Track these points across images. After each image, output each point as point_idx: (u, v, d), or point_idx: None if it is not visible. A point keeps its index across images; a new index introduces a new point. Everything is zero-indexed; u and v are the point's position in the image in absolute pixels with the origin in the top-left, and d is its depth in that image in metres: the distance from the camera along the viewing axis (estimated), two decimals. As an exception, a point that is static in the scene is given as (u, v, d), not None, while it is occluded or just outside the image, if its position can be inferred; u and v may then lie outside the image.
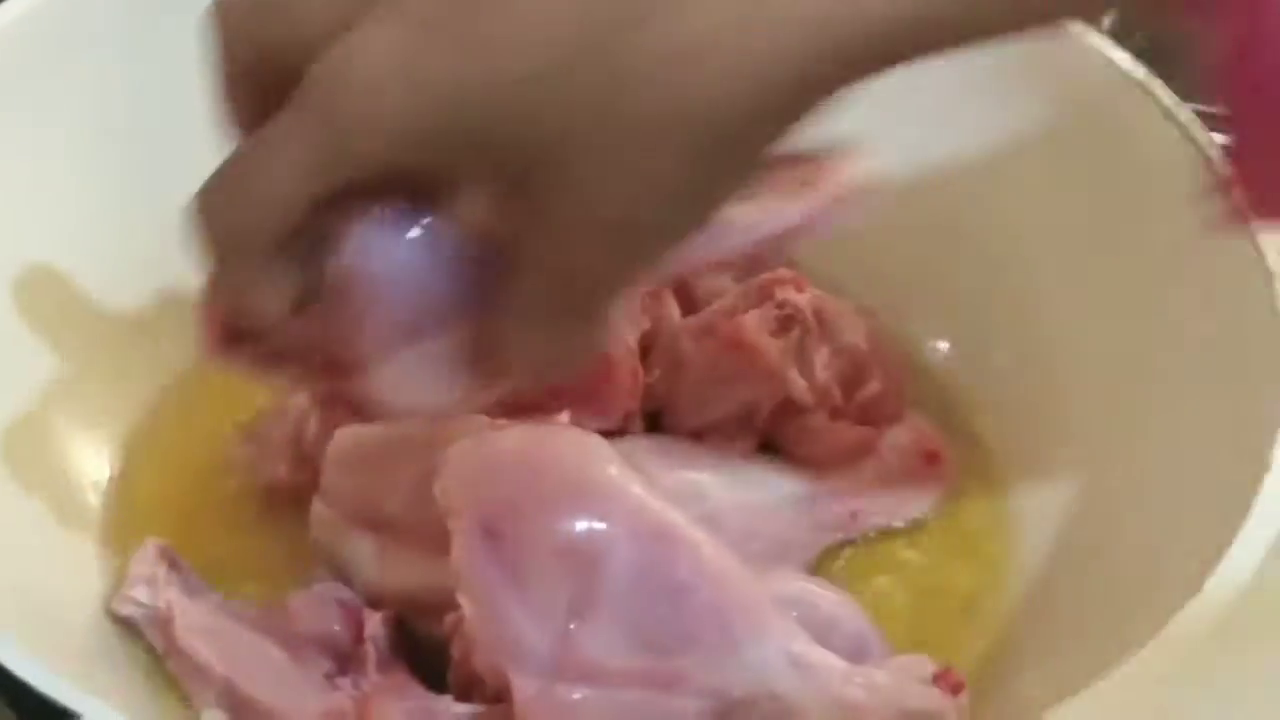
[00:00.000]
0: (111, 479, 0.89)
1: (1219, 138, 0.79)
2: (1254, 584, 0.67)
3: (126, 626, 0.81)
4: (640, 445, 0.86)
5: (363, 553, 0.82)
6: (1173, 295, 0.85)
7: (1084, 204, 0.90)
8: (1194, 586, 0.67)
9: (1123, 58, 0.89)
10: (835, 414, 0.88)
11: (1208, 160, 0.82)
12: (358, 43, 0.57)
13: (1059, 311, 0.92)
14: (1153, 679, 0.64)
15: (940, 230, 0.97)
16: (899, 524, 0.90)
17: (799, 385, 0.85)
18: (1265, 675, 0.65)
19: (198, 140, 0.62)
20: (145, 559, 0.81)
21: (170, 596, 0.80)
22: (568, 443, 0.75)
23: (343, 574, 0.82)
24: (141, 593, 0.80)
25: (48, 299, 0.88)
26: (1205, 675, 0.65)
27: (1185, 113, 0.85)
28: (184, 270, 0.64)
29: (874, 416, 0.89)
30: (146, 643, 0.81)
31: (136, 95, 0.91)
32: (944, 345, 0.97)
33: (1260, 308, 0.78)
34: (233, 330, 0.64)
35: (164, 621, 0.80)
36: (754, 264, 0.87)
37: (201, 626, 0.79)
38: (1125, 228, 0.89)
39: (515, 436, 0.75)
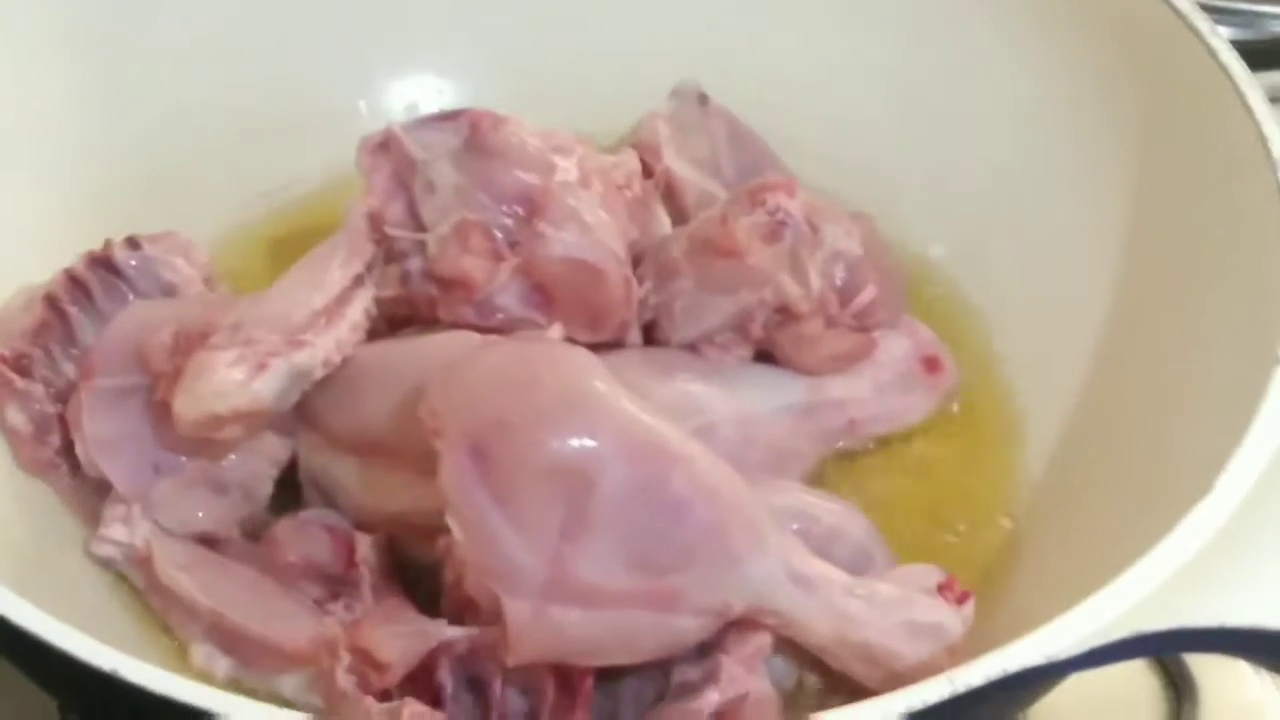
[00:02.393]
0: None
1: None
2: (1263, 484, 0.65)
3: (106, 567, 0.80)
4: (633, 358, 0.84)
5: (349, 477, 0.80)
6: (1179, 195, 0.83)
7: (1089, 104, 0.89)
8: (1204, 487, 0.65)
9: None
10: (831, 321, 0.86)
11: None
12: None
13: (1060, 213, 0.90)
14: (1161, 582, 0.62)
15: (936, 133, 0.96)
16: (899, 431, 0.88)
17: (794, 291, 0.83)
18: (1272, 576, 0.63)
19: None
20: (116, 497, 0.80)
21: (147, 532, 0.78)
22: (555, 358, 0.72)
23: (330, 500, 0.81)
24: (118, 531, 0.79)
25: None
26: (1214, 576, 0.63)
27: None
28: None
29: (871, 322, 0.87)
30: (129, 583, 0.80)
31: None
32: (941, 250, 0.96)
33: (1270, 208, 0.76)
34: None
35: (143, 559, 0.78)
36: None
37: (182, 561, 0.78)
38: (1131, 129, 0.87)
39: (501, 353, 0.73)
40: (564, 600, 0.69)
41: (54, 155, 0.90)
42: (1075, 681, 0.68)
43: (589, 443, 0.69)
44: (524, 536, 0.69)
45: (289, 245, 0.95)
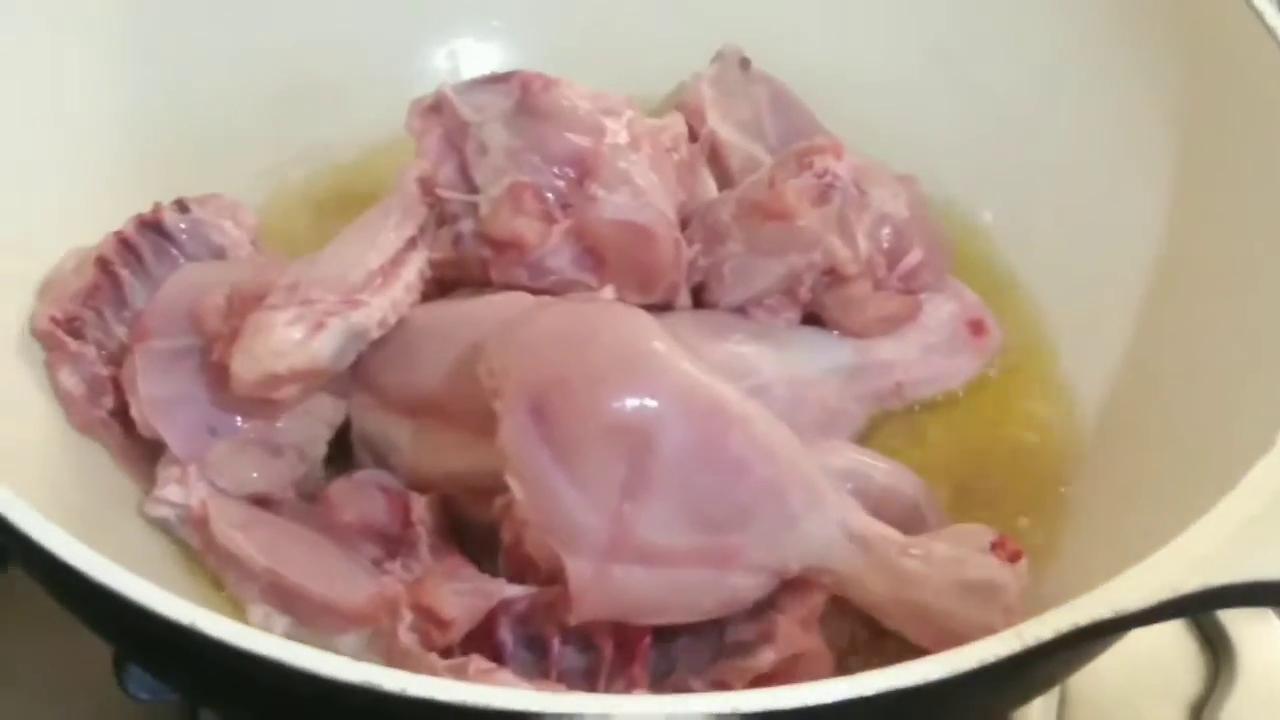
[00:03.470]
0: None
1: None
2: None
3: (161, 529, 0.80)
4: (684, 320, 0.84)
5: (404, 437, 0.80)
6: (1223, 155, 0.83)
7: (1131, 67, 0.89)
8: (1265, 443, 0.65)
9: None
10: (878, 283, 0.86)
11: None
12: None
13: (1104, 174, 0.90)
14: (1228, 537, 0.62)
15: (978, 98, 0.96)
16: (945, 392, 0.89)
17: (842, 254, 0.83)
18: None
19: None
20: (170, 459, 0.80)
21: (202, 493, 0.79)
22: (614, 318, 0.73)
23: (384, 461, 0.81)
24: (173, 493, 0.79)
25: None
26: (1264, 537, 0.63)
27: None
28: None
29: (917, 285, 0.88)
30: (183, 543, 0.80)
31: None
32: (988, 214, 0.96)
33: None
34: None
35: (199, 520, 0.78)
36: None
37: (238, 521, 0.78)
38: (1173, 90, 0.87)
39: (559, 313, 0.73)
40: (625, 559, 0.69)
41: (99, 119, 0.90)
42: (1115, 647, 0.69)
43: (649, 402, 0.70)
44: (585, 496, 0.69)
45: (332, 207, 0.95)
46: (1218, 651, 0.90)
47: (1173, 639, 0.90)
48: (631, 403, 0.69)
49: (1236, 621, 0.90)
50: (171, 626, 0.59)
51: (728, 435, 0.70)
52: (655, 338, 0.71)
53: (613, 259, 0.82)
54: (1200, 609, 0.62)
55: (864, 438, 0.85)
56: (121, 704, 0.83)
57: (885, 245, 0.86)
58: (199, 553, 0.79)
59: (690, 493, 0.70)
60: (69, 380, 0.81)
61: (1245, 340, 0.77)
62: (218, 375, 0.79)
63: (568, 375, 0.70)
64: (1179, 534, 0.63)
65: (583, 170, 0.81)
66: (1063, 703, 0.87)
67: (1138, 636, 0.65)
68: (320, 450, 0.82)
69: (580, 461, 0.69)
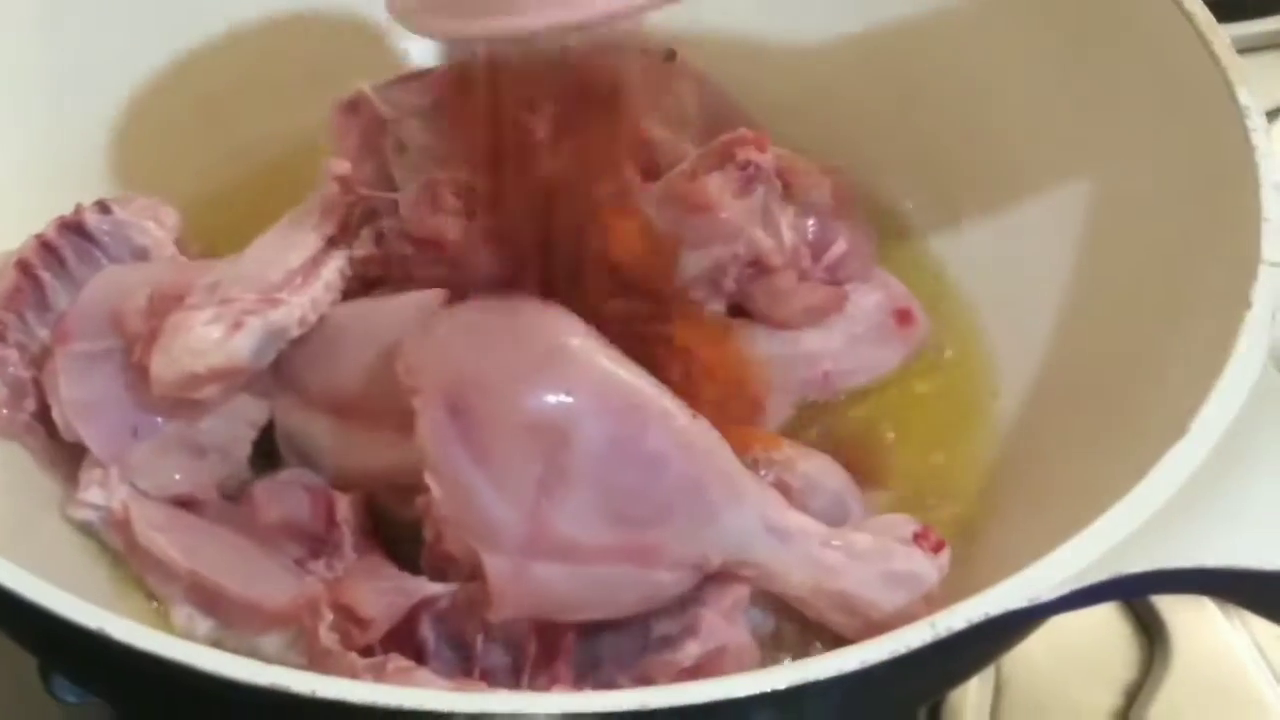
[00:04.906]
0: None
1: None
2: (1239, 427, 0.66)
3: (85, 531, 0.80)
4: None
5: (327, 437, 0.80)
6: (1150, 145, 0.83)
7: (1059, 56, 0.89)
8: (1179, 430, 0.66)
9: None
10: (803, 274, 0.86)
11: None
12: None
13: (1030, 162, 0.90)
14: (1140, 525, 0.63)
15: (904, 86, 0.96)
16: (871, 383, 0.88)
17: (766, 245, 0.83)
18: (1250, 517, 0.63)
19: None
20: (93, 461, 0.80)
21: (124, 495, 0.78)
22: (530, 314, 0.73)
23: (307, 460, 0.81)
24: (95, 495, 0.79)
25: None
26: (1192, 517, 0.63)
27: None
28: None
29: (843, 275, 0.88)
30: (107, 545, 0.80)
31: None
32: (911, 203, 0.96)
33: (1239, 156, 0.76)
34: None
35: (121, 522, 0.78)
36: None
37: (160, 522, 0.78)
38: (1101, 82, 0.87)
39: (477, 310, 0.73)
40: (544, 556, 0.69)
41: (21, 121, 0.89)
42: (1047, 628, 0.69)
43: (566, 398, 0.70)
44: (503, 493, 0.69)
45: (257, 206, 0.94)
46: (1152, 636, 0.91)
47: (1106, 623, 0.91)
48: (548, 399, 0.69)
49: (1171, 606, 0.90)
50: (80, 632, 0.59)
51: (645, 431, 0.70)
52: (572, 334, 0.71)
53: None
54: (1113, 596, 0.62)
55: (790, 429, 0.85)
56: (48, 707, 0.82)
57: (810, 236, 0.86)
58: (122, 555, 0.79)
59: (609, 489, 0.70)
60: (-9, 384, 0.81)
61: (1164, 328, 0.77)
62: (139, 377, 0.78)
63: (484, 373, 0.70)
64: (1092, 522, 0.63)
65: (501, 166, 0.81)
66: (998, 689, 0.87)
67: (1071, 621, 0.64)
68: (244, 450, 0.81)
69: (497, 459, 0.69)
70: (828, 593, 0.73)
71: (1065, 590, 0.61)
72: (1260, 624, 0.89)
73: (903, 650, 0.60)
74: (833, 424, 0.87)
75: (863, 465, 0.83)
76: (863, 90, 0.92)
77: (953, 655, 0.63)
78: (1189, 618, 0.90)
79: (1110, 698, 0.89)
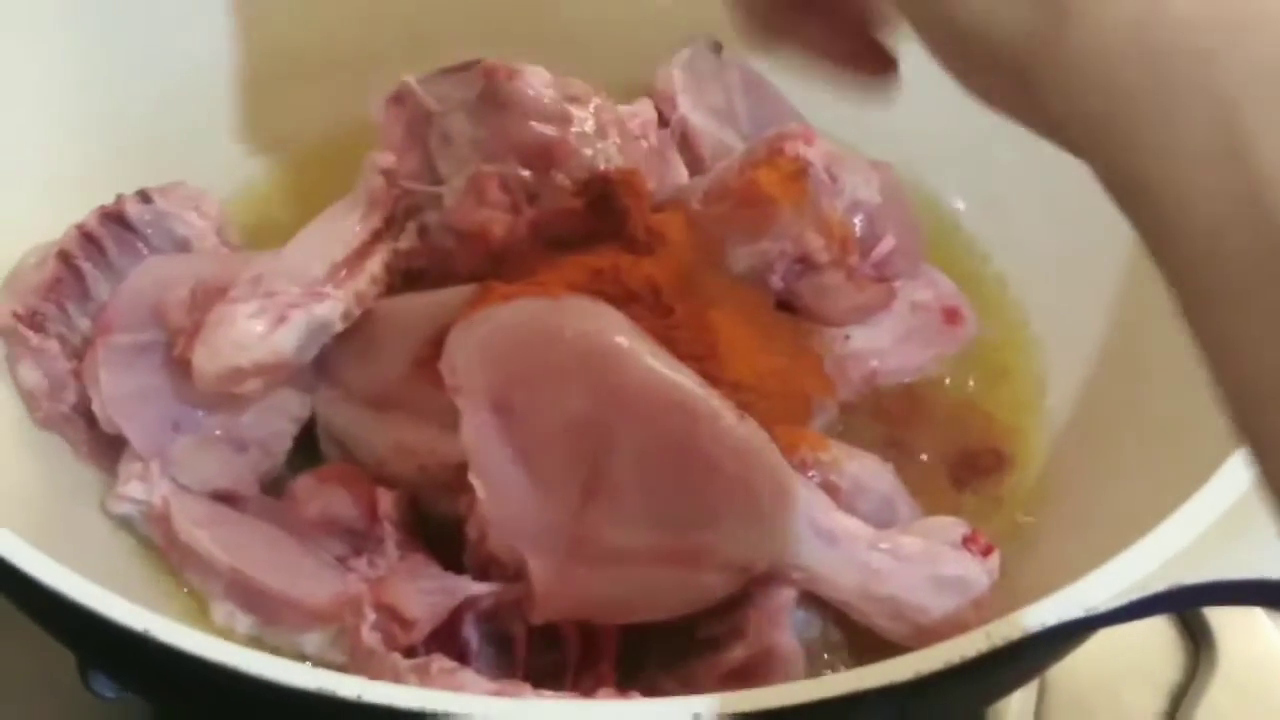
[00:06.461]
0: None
1: None
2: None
3: (124, 525, 0.79)
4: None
5: (369, 432, 0.79)
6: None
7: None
8: (1235, 439, 0.64)
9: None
10: (851, 271, 0.85)
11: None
12: None
13: (1081, 163, 0.89)
14: (1197, 535, 0.62)
15: (954, 84, 0.94)
16: (919, 381, 0.88)
17: (815, 241, 0.82)
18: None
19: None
20: (133, 454, 0.79)
21: (165, 490, 0.78)
22: (576, 313, 0.72)
23: (349, 455, 0.80)
24: (135, 489, 0.78)
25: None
26: (1249, 528, 0.62)
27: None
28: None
29: (890, 272, 0.87)
30: (147, 539, 0.79)
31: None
32: (960, 201, 0.95)
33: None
34: None
35: (161, 517, 0.77)
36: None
37: (201, 518, 0.77)
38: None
39: (522, 308, 0.72)
40: (588, 559, 0.69)
41: (62, 113, 0.88)
42: (1094, 636, 0.68)
43: (611, 399, 0.69)
44: (547, 494, 0.69)
45: (298, 198, 0.94)
46: (1198, 640, 0.90)
47: (1152, 625, 0.90)
48: (594, 400, 0.68)
49: (1217, 610, 0.89)
50: (125, 633, 0.58)
51: (692, 432, 0.69)
52: (619, 333, 0.70)
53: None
54: (1171, 608, 0.61)
55: (838, 428, 0.84)
56: (87, 702, 0.82)
57: (858, 232, 0.85)
58: (162, 550, 0.78)
59: (654, 491, 0.69)
60: (31, 375, 0.80)
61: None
62: (181, 370, 0.78)
63: (529, 373, 0.69)
64: (1149, 531, 0.62)
65: (548, 159, 0.80)
66: (1042, 691, 0.87)
67: (1119, 626, 0.64)
68: (285, 445, 0.81)
69: (542, 460, 0.68)
70: (875, 597, 0.72)
71: (1123, 601, 0.60)
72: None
73: (957, 660, 0.59)
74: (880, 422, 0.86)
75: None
76: (912, 85, 0.91)
77: (1005, 666, 0.62)
78: (1234, 621, 0.90)
79: (1155, 701, 0.88)
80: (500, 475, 0.68)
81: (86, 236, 0.82)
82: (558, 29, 1.00)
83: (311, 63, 0.97)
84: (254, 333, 0.76)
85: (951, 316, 0.88)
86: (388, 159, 0.81)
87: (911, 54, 0.93)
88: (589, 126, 0.82)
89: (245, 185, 0.96)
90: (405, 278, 0.83)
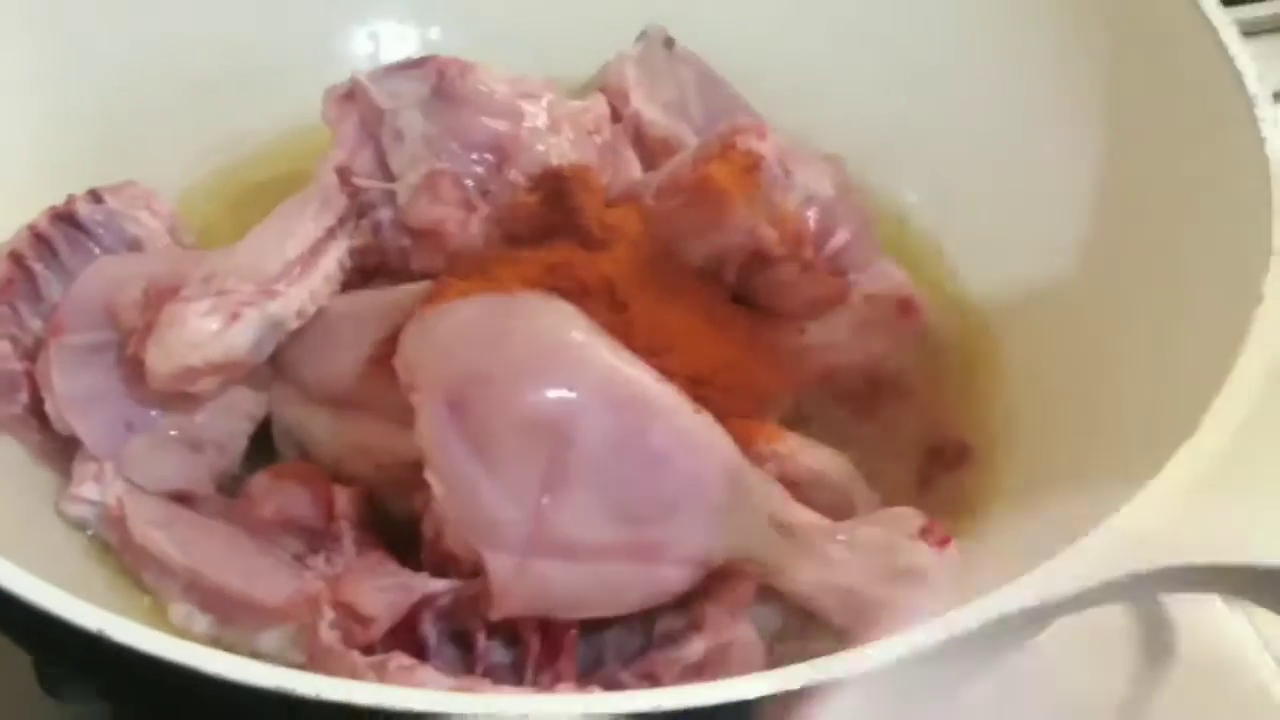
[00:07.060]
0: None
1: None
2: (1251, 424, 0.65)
3: (80, 526, 0.79)
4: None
5: (325, 430, 0.79)
6: (1153, 134, 0.83)
7: (1060, 43, 0.89)
8: (1189, 427, 0.65)
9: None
10: (806, 265, 0.85)
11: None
12: None
13: (1032, 152, 0.90)
14: (1152, 523, 0.62)
15: (904, 75, 0.95)
16: (875, 373, 0.87)
17: (769, 235, 0.82)
18: (1265, 514, 0.63)
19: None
20: (87, 455, 0.79)
21: (120, 491, 0.77)
22: (532, 308, 0.72)
23: (306, 454, 0.80)
24: (90, 490, 0.78)
25: None
26: (1205, 515, 0.63)
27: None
28: None
29: (845, 265, 0.86)
30: (103, 540, 0.79)
31: None
32: (913, 193, 0.95)
33: (1246, 141, 0.76)
34: None
35: (116, 517, 0.77)
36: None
37: (157, 518, 0.77)
38: (1103, 69, 0.86)
39: (477, 304, 0.72)
40: (546, 554, 0.69)
41: (10, 114, 0.88)
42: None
43: (568, 394, 0.69)
44: (504, 490, 0.68)
45: (250, 196, 0.94)
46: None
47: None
48: (550, 395, 0.68)
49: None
50: (78, 633, 0.58)
51: (649, 426, 0.69)
52: (575, 328, 0.70)
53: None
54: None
55: (794, 421, 0.84)
56: (46, 706, 0.81)
57: (812, 226, 0.85)
58: (118, 551, 0.78)
59: (611, 486, 0.69)
60: (-17, 376, 0.80)
61: (1173, 321, 0.76)
62: (134, 370, 0.77)
63: (485, 368, 0.69)
64: (1106, 519, 0.62)
65: (501, 155, 0.80)
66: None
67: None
68: (241, 444, 0.81)
69: (498, 456, 0.68)
70: (833, 588, 0.72)
71: (1079, 588, 0.60)
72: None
73: (914, 648, 0.59)
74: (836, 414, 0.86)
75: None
76: (864, 78, 0.92)
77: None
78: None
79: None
80: (457, 471, 0.68)
81: (38, 237, 0.82)
82: (507, 25, 0.99)
83: (263, 61, 0.97)
84: (207, 331, 0.75)
85: (906, 308, 0.88)
86: (340, 156, 0.81)
87: (860, 47, 0.95)
88: (542, 122, 0.82)
89: (197, 184, 0.95)
90: (360, 275, 0.83)
